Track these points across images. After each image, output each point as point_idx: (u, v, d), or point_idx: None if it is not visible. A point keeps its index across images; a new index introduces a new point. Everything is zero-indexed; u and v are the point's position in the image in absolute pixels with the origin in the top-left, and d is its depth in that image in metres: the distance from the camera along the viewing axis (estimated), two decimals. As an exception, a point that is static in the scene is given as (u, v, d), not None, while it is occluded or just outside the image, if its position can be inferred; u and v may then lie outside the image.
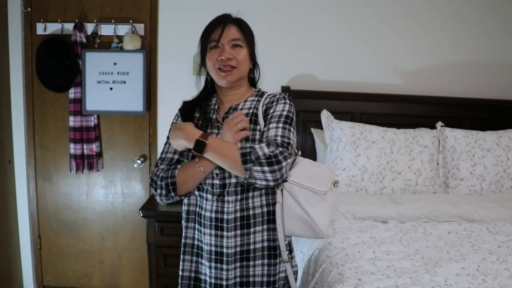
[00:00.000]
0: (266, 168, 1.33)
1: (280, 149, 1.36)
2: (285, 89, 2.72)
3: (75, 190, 2.92)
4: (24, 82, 2.82)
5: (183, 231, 1.57)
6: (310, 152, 2.73)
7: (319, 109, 2.65)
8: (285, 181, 1.41)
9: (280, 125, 1.44)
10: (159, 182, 1.46)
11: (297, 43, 2.81)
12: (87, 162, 2.80)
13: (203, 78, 1.61)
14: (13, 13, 2.75)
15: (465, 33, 2.84)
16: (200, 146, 1.37)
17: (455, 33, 2.83)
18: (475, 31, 2.84)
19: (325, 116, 2.62)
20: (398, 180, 2.41)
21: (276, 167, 1.33)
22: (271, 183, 1.37)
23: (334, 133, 2.52)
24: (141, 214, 2.44)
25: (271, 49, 2.78)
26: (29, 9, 2.76)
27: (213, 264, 1.49)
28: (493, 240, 1.84)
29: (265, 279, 1.49)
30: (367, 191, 2.40)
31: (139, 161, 2.83)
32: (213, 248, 1.48)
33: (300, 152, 1.54)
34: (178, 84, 2.77)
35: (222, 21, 1.50)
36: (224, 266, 1.47)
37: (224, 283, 1.48)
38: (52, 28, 2.76)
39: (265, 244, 1.49)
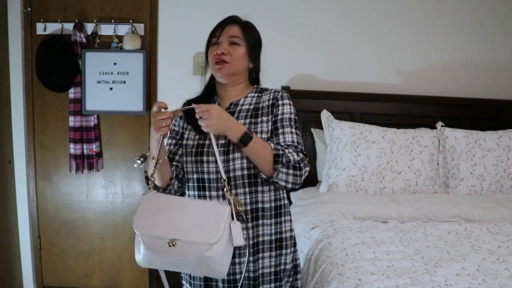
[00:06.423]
0: (291, 171, 1.42)
1: (302, 156, 1.46)
2: (285, 89, 2.70)
3: (75, 190, 2.92)
4: (24, 82, 2.82)
5: None
6: (310, 152, 2.73)
7: (319, 109, 2.65)
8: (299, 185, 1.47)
9: (294, 130, 1.52)
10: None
11: (297, 43, 2.80)
12: (87, 162, 2.80)
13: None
14: (13, 13, 2.75)
15: (465, 33, 2.84)
16: (246, 138, 1.40)
17: (455, 33, 2.83)
18: (475, 31, 2.84)
19: (325, 116, 2.62)
20: (398, 180, 2.41)
21: (299, 172, 1.44)
22: (289, 186, 1.45)
23: (334, 133, 2.52)
24: (141, 214, 2.44)
25: (271, 49, 2.75)
26: (29, 9, 2.76)
27: None
28: (493, 240, 1.84)
29: (272, 269, 1.53)
30: (367, 191, 2.40)
31: (139, 161, 2.82)
32: None
33: None
34: (178, 84, 2.76)
35: (226, 21, 1.57)
36: (237, 260, 1.49)
37: (238, 276, 1.49)
38: (52, 28, 2.75)
39: (273, 237, 1.53)
